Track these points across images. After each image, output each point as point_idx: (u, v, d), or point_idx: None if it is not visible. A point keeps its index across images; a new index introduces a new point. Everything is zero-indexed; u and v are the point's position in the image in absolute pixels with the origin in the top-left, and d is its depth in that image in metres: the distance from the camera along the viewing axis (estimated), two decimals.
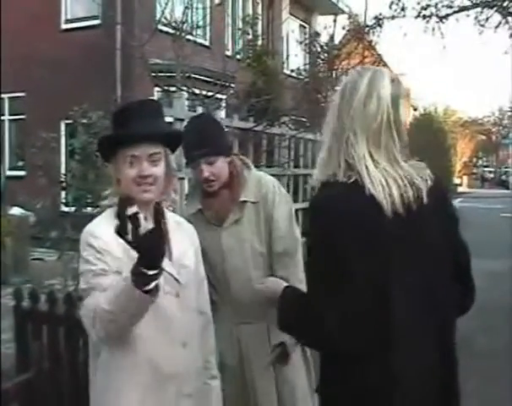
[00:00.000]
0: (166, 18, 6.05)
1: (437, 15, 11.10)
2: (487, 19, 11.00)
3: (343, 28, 10.60)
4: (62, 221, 5.21)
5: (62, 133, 10.79)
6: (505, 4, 10.50)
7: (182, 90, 5.47)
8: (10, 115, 13.37)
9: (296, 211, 3.53)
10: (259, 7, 15.67)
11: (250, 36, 8.62)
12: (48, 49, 11.14)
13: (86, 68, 10.33)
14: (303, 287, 1.84)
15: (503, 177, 48.33)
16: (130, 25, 9.86)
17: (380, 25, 11.01)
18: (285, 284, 1.80)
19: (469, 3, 10.99)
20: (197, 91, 6.04)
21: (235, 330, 2.52)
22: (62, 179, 5.51)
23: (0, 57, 9.98)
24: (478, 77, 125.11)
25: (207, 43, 12.39)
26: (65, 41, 11.49)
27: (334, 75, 9.27)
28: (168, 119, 4.03)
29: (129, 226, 1.49)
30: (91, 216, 1.98)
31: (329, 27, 9.91)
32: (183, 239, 1.99)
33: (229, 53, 11.41)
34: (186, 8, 5.94)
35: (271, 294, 1.80)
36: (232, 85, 7.44)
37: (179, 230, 2.00)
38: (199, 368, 1.98)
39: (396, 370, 1.53)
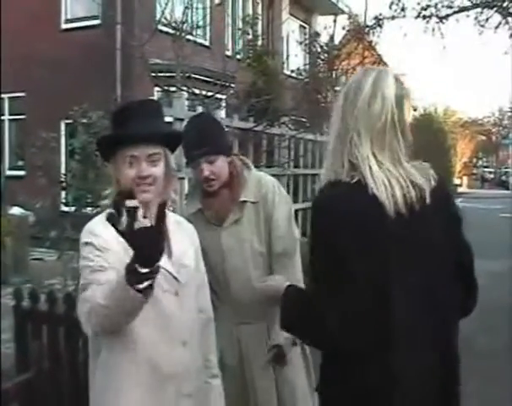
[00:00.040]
0: (165, 18, 6.06)
1: (437, 16, 11.10)
2: (487, 19, 11.01)
3: (343, 28, 10.61)
4: (61, 221, 5.21)
5: (62, 133, 10.79)
6: (505, 5, 10.51)
7: (182, 90, 5.47)
8: (10, 115, 13.37)
9: (296, 211, 3.54)
10: (259, 7, 15.67)
11: (250, 36, 8.63)
12: (48, 49, 11.14)
13: (86, 68, 10.33)
14: (301, 287, 1.84)
15: (503, 177, 48.28)
16: (130, 25, 9.86)
17: (380, 26, 11.02)
18: (288, 283, 1.80)
19: (469, 4, 11.00)
20: (197, 91, 6.04)
21: (235, 330, 2.52)
22: (62, 179, 5.51)
23: (0, 57, 9.98)
24: (478, 77, 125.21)
25: (207, 43, 12.39)
26: (65, 40, 11.49)
27: (334, 75, 9.28)
28: (168, 119, 4.04)
29: (124, 217, 1.47)
30: (91, 216, 1.98)
31: (329, 27, 9.92)
32: (183, 239, 1.99)
33: (229, 53, 11.43)
34: (186, 8, 5.94)
35: (274, 292, 1.80)
36: (232, 85, 7.45)
37: (179, 230, 1.99)
38: (199, 367, 1.97)
39: (396, 369, 1.53)
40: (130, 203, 1.47)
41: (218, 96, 6.89)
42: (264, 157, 6.27)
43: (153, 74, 6.06)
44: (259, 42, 11.48)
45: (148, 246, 1.49)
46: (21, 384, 3.23)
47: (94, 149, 4.08)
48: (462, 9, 11.06)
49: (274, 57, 11.76)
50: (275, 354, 2.48)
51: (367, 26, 10.71)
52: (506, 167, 50.18)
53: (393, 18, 11.19)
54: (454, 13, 11.10)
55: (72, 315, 3.30)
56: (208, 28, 10.75)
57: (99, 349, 1.85)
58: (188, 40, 6.11)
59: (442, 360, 1.60)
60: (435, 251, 1.60)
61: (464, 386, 1.67)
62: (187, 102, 5.41)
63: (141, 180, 1.82)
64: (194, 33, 7.46)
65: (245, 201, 2.51)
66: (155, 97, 8.30)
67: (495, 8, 10.72)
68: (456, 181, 36.06)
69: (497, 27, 10.93)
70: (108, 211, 1.89)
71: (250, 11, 14.55)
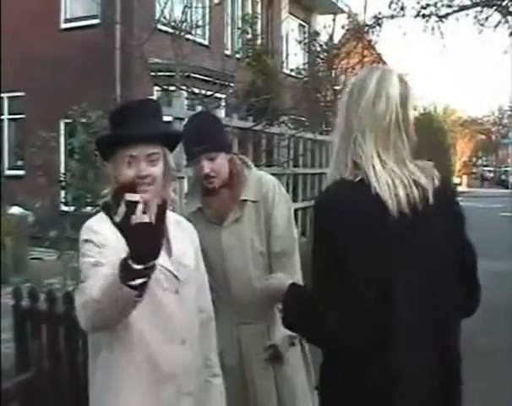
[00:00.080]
0: (165, 17, 6.06)
1: (436, 14, 11.12)
2: (487, 18, 11.03)
3: (342, 27, 10.63)
4: (61, 220, 5.20)
5: (62, 132, 10.78)
6: (505, 3, 10.52)
7: (182, 89, 5.47)
8: (9, 114, 13.37)
9: (296, 210, 3.54)
10: (259, 6, 15.67)
11: (249, 36, 8.62)
12: (47, 48, 11.14)
13: (85, 68, 10.32)
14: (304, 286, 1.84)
15: (503, 176, 48.27)
16: (129, 25, 9.86)
17: (380, 25, 11.04)
18: (291, 281, 1.80)
19: (468, 3, 11.02)
20: (196, 90, 6.05)
21: (235, 330, 2.51)
22: (62, 179, 5.50)
23: (0, 56, 9.97)
24: (478, 76, 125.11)
25: (206, 42, 12.39)
26: (64, 40, 11.48)
27: (333, 74, 9.29)
28: (167, 118, 4.04)
29: (122, 208, 1.41)
30: (91, 216, 1.97)
31: (329, 26, 9.94)
32: (183, 239, 1.99)
33: (228, 52, 11.42)
34: (185, 7, 5.94)
35: (276, 291, 1.80)
36: (232, 85, 7.45)
37: (179, 229, 1.99)
38: (200, 366, 1.97)
39: (396, 369, 1.53)
40: (131, 196, 1.42)
41: (217, 95, 6.89)
42: (263, 156, 6.27)
43: (152, 74, 6.06)
44: (259, 41, 11.48)
45: (143, 243, 1.43)
46: (21, 384, 3.23)
47: (93, 148, 4.07)
48: (462, 8, 11.08)
49: (273, 57, 11.78)
50: (271, 354, 2.47)
51: (367, 25, 10.73)
52: (506, 166, 50.15)
53: (392, 17, 11.20)
54: (454, 12, 11.11)
55: (71, 314, 3.30)
56: (207, 27, 10.75)
57: (99, 349, 1.84)
58: (188, 39, 6.11)
59: (442, 360, 1.60)
60: (436, 251, 1.60)
61: (466, 386, 1.67)
62: (186, 101, 5.40)
63: (140, 180, 1.81)
64: (194, 32, 7.45)
65: (245, 200, 2.50)
66: (155, 96, 8.30)
67: (495, 7, 10.74)
68: (456, 180, 36.07)
69: (496, 26, 10.96)
70: (104, 200, 1.88)
71: (249, 10, 14.54)
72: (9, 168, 12.84)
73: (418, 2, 11.08)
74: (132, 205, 1.41)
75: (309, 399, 2.54)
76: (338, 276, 1.52)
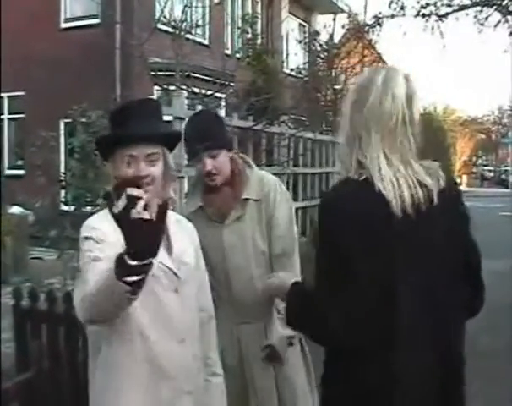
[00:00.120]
0: (165, 17, 6.06)
1: (436, 14, 11.13)
2: (487, 17, 11.04)
3: (343, 27, 10.65)
4: (61, 220, 5.21)
5: (62, 132, 10.77)
6: (504, 3, 10.53)
7: (182, 88, 5.47)
8: (9, 114, 13.36)
9: (296, 210, 3.54)
10: (259, 5, 15.66)
11: (249, 35, 8.62)
12: (47, 48, 11.13)
13: (85, 67, 10.32)
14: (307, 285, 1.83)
15: (503, 176, 48.25)
16: (129, 24, 9.85)
17: (380, 24, 11.05)
18: (294, 280, 1.80)
19: (468, 2, 11.03)
20: (196, 90, 6.05)
21: (235, 330, 2.51)
22: (62, 178, 5.51)
23: (0, 56, 9.97)
24: (478, 76, 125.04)
25: (206, 42, 12.38)
26: (64, 40, 11.48)
27: (333, 74, 9.30)
28: (168, 118, 4.04)
29: (121, 201, 1.38)
30: (90, 215, 1.97)
31: (329, 26, 9.96)
32: (183, 238, 1.99)
33: (228, 52, 11.41)
34: (185, 6, 5.94)
35: (278, 289, 1.80)
36: (232, 84, 7.45)
37: (179, 228, 1.99)
38: (200, 365, 1.97)
39: (396, 369, 1.53)
40: (133, 191, 1.38)
41: (217, 94, 6.89)
42: (263, 156, 6.27)
43: (152, 73, 6.06)
44: (259, 41, 11.49)
45: (142, 239, 1.40)
46: (21, 384, 3.22)
47: (93, 148, 4.07)
48: (462, 8, 11.09)
49: (273, 56, 11.78)
50: (268, 354, 2.47)
51: (367, 25, 10.73)
52: (506, 166, 50.13)
53: (392, 16, 11.22)
54: (454, 11, 11.12)
55: (71, 314, 3.30)
56: (207, 27, 10.73)
57: (99, 348, 1.84)
58: (188, 39, 6.11)
59: (442, 360, 1.59)
60: (436, 251, 1.60)
61: (468, 386, 1.67)
62: (186, 101, 5.41)
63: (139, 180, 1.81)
64: (194, 32, 7.45)
65: (247, 199, 2.50)
66: (155, 96, 8.29)
67: (494, 7, 10.75)
68: (456, 179, 36.01)
69: (496, 25, 10.97)
70: (107, 189, 1.87)
71: (249, 10, 14.54)
72: (9, 168, 12.83)
73: (418, 2, 11.11)
74: (133, 199, 1.37)
75: (309, 399, 2.54)
76: (342, 275, 1.52)
